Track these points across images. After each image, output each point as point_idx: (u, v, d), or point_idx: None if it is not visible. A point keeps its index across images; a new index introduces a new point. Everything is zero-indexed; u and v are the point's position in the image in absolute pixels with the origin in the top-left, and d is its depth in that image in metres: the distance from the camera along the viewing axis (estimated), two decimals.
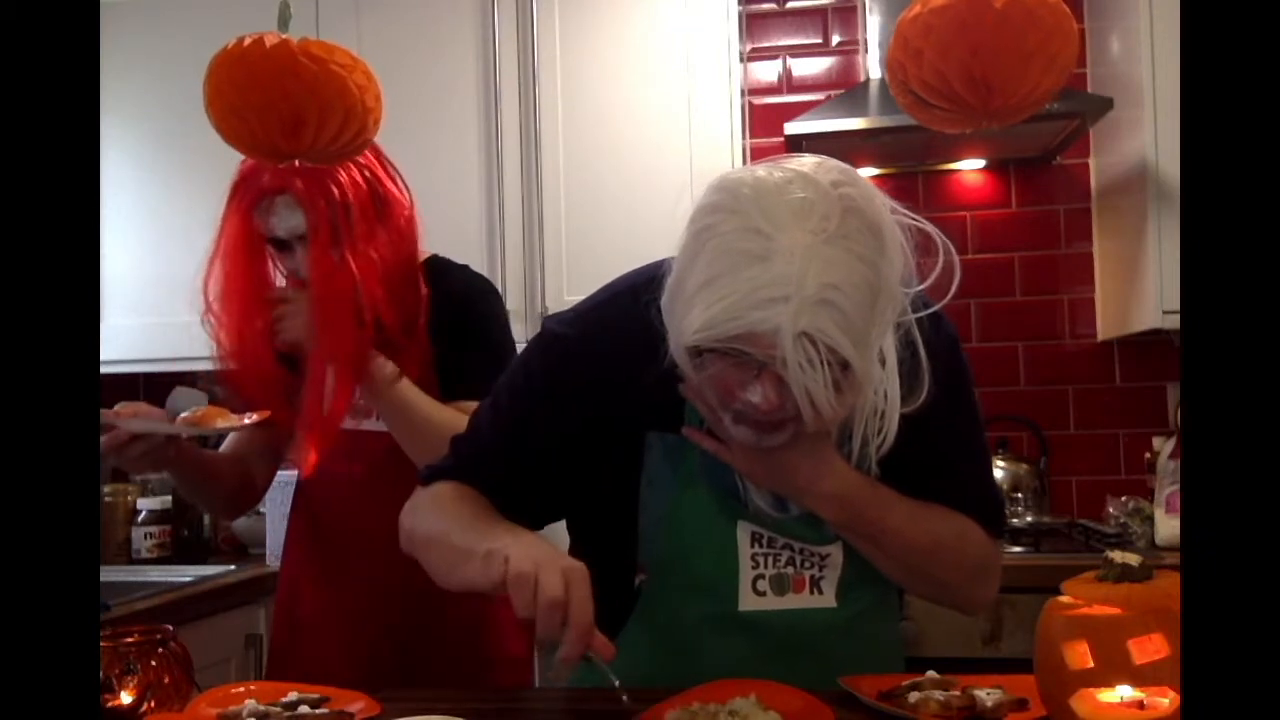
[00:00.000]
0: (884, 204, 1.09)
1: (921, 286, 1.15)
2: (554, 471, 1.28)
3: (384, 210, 1.66)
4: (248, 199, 1.62)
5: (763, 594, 1.24)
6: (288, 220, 1.61)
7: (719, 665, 1.16)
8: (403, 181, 1.71)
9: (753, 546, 1.24)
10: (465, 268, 1.78)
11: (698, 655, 1.21)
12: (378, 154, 1.69)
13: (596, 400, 1.24)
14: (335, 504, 1.76)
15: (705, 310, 1.03)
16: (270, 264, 1.69)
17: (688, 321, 1.06)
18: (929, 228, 1.13)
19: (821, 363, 1.02)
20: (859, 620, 1.28)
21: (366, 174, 1.64)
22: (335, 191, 1.60)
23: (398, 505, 1.34)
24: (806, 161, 1.09)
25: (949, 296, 1.18)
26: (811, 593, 1.25)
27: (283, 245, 1.65)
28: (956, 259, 1.14)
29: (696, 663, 1.18)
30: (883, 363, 1.14)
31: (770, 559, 1.25)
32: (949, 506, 1.27)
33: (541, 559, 1.09)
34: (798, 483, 1.20)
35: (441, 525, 1.25)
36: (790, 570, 1.25)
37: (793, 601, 1.25)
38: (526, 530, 1.20)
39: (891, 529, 1.23)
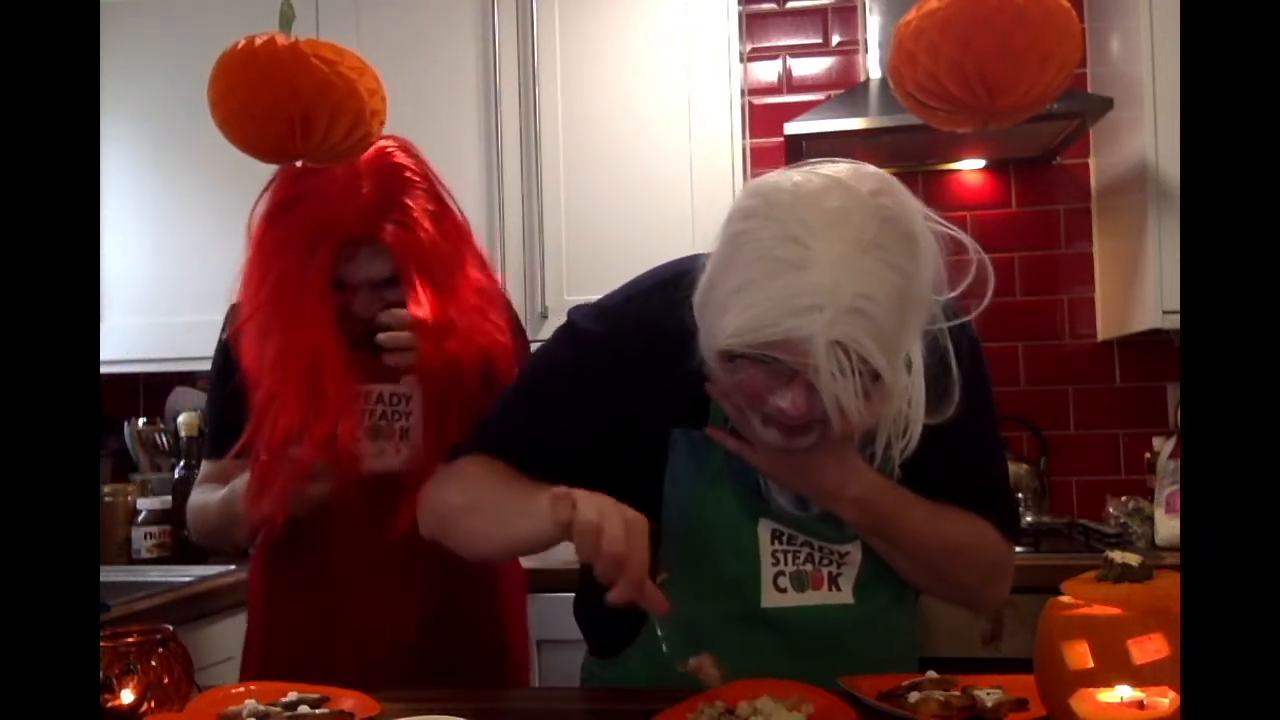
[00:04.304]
0: (919, 212, 1.09)
1: (953, 294, 1.15)
2: (577, 463, 1.27)
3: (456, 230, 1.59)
4: (326, 246, 1.49)
5: (784, 590, 1.25)
6: (369, 269, 1.51)
7: (741, 661, 1.16)
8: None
9: (773, 544, 1.25)
10: None
11: (720, 652, 1.21)
12: (422, 167, 1.59)
13: (622, 397, 1.25)
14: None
15: (739, 315, 1.04)
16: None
17: (721, 325, 1.06)
18: (962, 236, 1.13)
19: (853, 372, 1.03)
20: (877, 617, 1.29)
21: (427, 188, 1.56)
22: (420, 233, 1.51)
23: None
24: (843, 168, 1.10)
25: (984, 305, 1.19)
26: (829, 589, 1.26)
27: (340, 286, 1.53)
28: (990, 268, 1.14)
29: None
30: (909, 368, 1.14)
31: (790, 556, 1.25)
32: (966, 508, 1.28)
33: (605, 508, 1.10)
34: (822, 486, 1.21)
35: (481, 489, 1.26)
36: (809, 567, 1.26)
37: (812, 598, 1.26)
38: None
39: (911, 532, 1.24)
